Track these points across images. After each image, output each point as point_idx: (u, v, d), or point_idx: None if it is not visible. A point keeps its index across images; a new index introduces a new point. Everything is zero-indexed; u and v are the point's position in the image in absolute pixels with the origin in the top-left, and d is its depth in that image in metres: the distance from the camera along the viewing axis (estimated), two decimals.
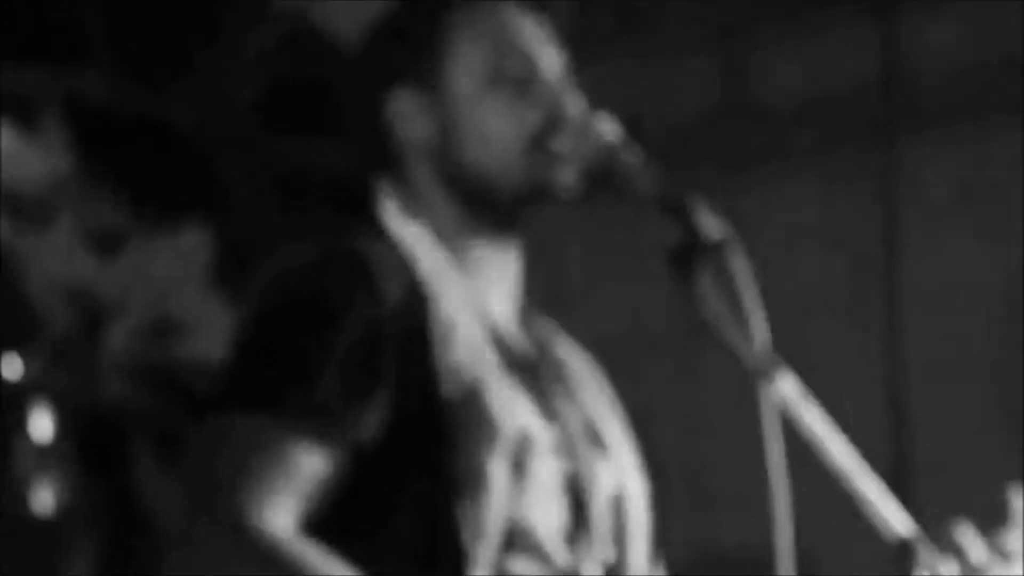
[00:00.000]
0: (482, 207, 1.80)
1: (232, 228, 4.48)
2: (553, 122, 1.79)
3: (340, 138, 1.91)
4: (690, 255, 1.69)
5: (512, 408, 1.72)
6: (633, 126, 1.86)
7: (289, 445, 1.66)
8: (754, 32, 3.90)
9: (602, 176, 1.77)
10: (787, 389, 1.64)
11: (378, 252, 1.74)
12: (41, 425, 4.09)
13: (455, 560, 1.67)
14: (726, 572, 3.71)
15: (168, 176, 4.52)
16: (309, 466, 1.66)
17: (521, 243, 1.83)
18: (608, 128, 1.79)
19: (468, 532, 1.67)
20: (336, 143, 4.39)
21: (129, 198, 4.18)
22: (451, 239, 1.79)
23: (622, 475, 1.81)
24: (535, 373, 1.80)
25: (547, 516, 1.72)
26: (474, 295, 1.77)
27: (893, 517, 1.61)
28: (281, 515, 1.64)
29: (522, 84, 1.80)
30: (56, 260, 4.12)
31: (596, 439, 1.81)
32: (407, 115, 1.81)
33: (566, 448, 1.76)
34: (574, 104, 1.81)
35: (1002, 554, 1.64)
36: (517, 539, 1.69)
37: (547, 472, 1.73)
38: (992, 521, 1.67)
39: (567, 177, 1.78)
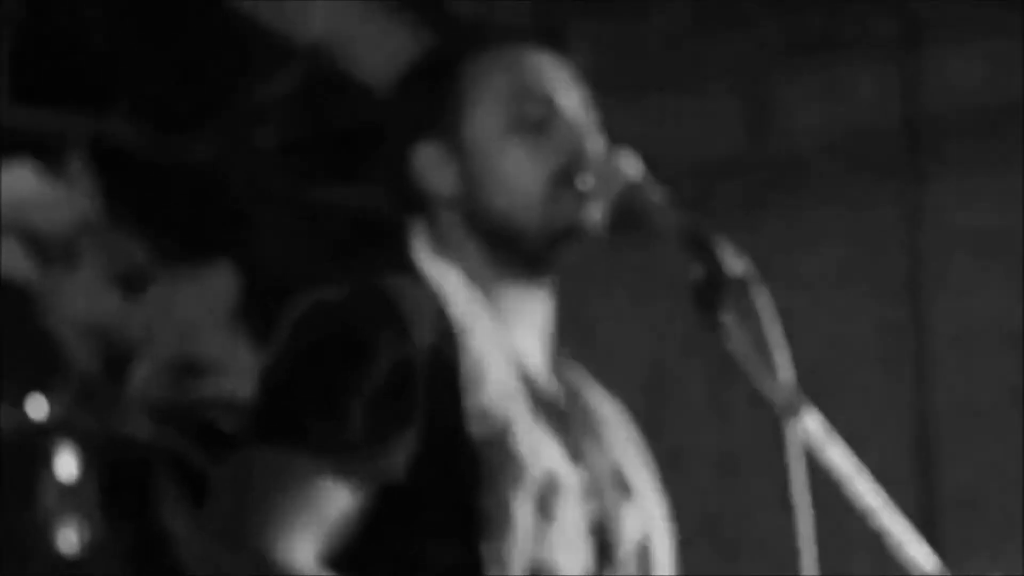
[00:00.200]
0: (510, 252, 1.80)
1: (257, 269, 4.49)
2: (575, 161, 1.79)
3: (368, 181, 1.92)
4: (713, 293, 1.68)
5: (539, 450, 1.72)
6: (656, 164, 1.86)
7: (314, 480, 1.66)
8: (778, 71, 3.90)
9: (626, 214, 1.77)
10: (812, 427, 1.63)
11: (409, 291, 1.74)
12: (66, 464, 4.09)
13: None
14: None
15: (193, 217, 4.53)
16: (333, 502, 1.66)
17: (551, 286, 1.83)
18: (631, 166, 1.79)
19: (492, 572, 1.66)
20: (364, 186, 4.40)
21: (154, 239, 4.20)
22: (481, 282, 1.80)
23: (648, 521, 1.80)
24: (564, 417, 1.80)
25: (572, 559, 1.71)
26: (504, 337, 1.77)
27: (920, 557, 1.59)
28: (304, 550, 1.64)
29: (542, 126, 1.81)
30: (81, 300, 4.13)
31: (623, 484, 1.80)
32: (431, 168, 1.82)
33: (593, 492, 1.75)
34: (596, 142, 1.81)
35: None
36: None
37: (573, 515, 1.73)
38: (1020, 563, 1.66)
39: (593, 214, 1.78)
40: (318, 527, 1.65)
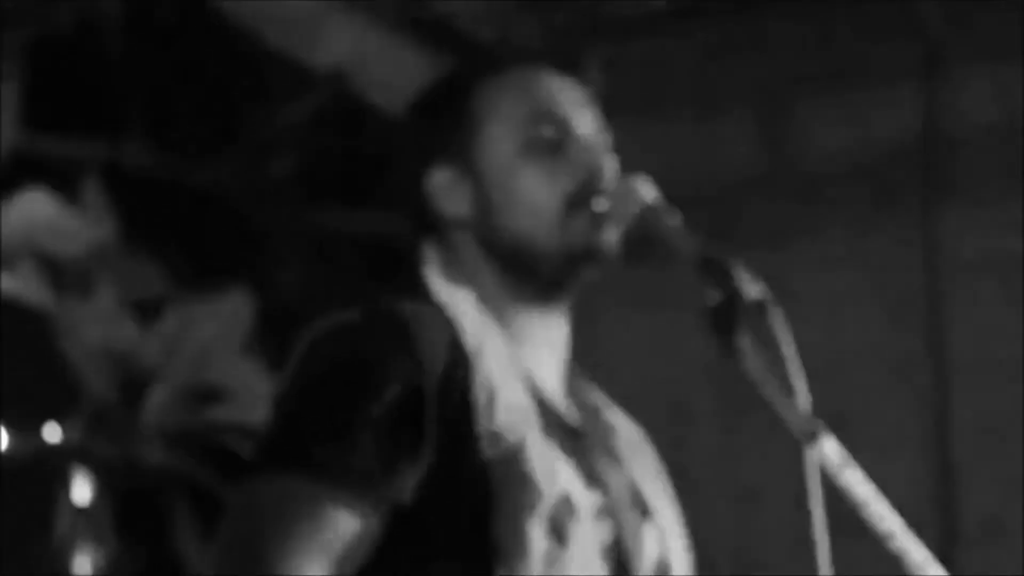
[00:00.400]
0: (526, 275, 1.79)
1: (272, 294, 4.49)
2: (590, 183, 1.78)
3: (382, 205, 1.92)
4: (729, 317, 1.67)
5: (553, 472, 1.71)
6: (675, 187, 1.85)
7: (324, 508, 1.65)
8: (795, 93, 3.90)
9: (641, 238, 1.76)
10: (829, 452, 1.61)
11: (420, 315, 1.73)
12: (81, 490, 4.09)
13: None
14: None
15: (209, 243, 4.53)
16: (344, 529, 1.65)
17: (567, 310, 1.82)
18: (646, 189, 1.78)
19: None
20: (378, 210, 4.40)
21: (169, 264, 4.20)
22: (495, 305, 1.79)
23: (667, 542, 1.79)
24: (580, 438, 1.79)
25: None
26: (518, 360, 1.76)
27: None
28: (313, 573, 1.63)
29: (556, 148, 1.80)
30: (96, 326, 4.14)
31: (641, 505, 1.79)
32: (445, 191, 1.81)
33: (609, 513, 1.74)
34: (611, 165, 1.80)
35: None
36: None
37: (588, 537, 1.71)
38: None
39: (609, 237, 1.77)
40: (329, 554, 1.64)
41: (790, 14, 3.86)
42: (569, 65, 1.85)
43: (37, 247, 4.05)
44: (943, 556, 1.68)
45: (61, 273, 4.17)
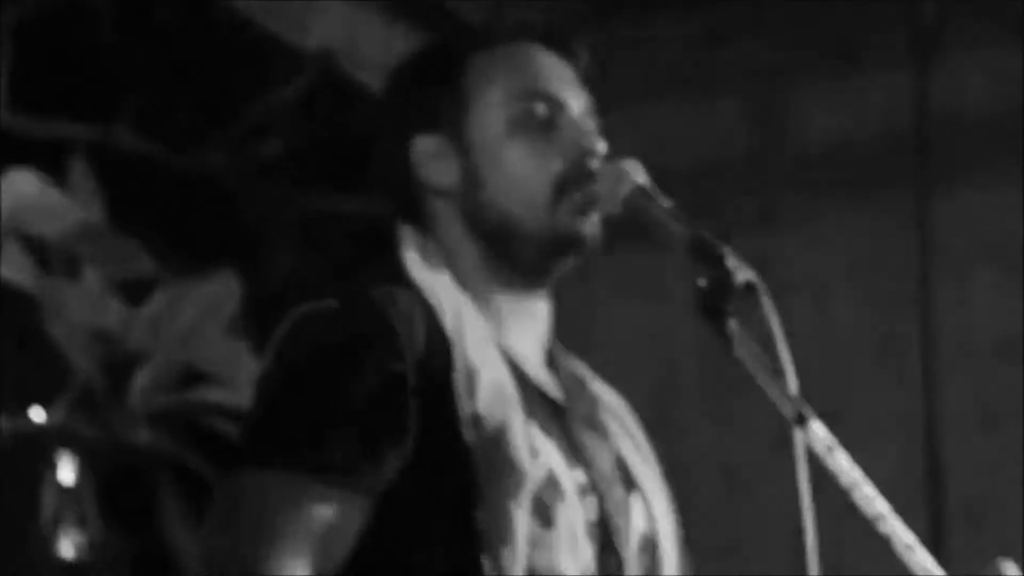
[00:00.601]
0: (508, 255, 1.77)
1: (260, 276, 4.48)
2: (581, 166, 1.77)
3: (366, 185, 1.89)
4: (719, 300, 1.67)
5: (537, 453, 1.70)
6: (666, 170, 1.84)
7: (306, 499, 1.63)
8: (786, 77, 3.89)
9: (631, 222, 1.76)
10: (818, 435, 1.62)
11: (398, 300, 1.71)
12: (67, 471, 4.09)
13: None
14: None
15: (196, 224, 4.52)
16: (327, 519, 1.64)
17: (549, 294, 1.81)
18: (637, 173, 1.77)
19: None
20: (363, 191, 4.39)
21: (156, 246, 4.19)
22: (475, 284, 1.77)
23: (653, 514, 1.78)
24: (563, 415, 1.78)
25: (574, 561, 1.70)
26: (498, 339, 1.75)
27: (926, 563, 1.58)
28: (298, 568, 1.62)
29: (548, 127, 1.78)
30: (83, 308, 4.12)
31: (627, 478, 1.79)
32: (431, 159, 1.79)
33: (594, 490, 1.74)
34: (601, 148, 1.79)
35: None
36: None
37: (574, 516, 1.71)
38: None
39: (593, 228, 1.76)
40: (313, 546, 1.62)
41: None
42: (561, 45, 1.83)
43: (24, 227, 4.03)
44: (930, 539, 1.68)
45: (48, 254, 4.16)
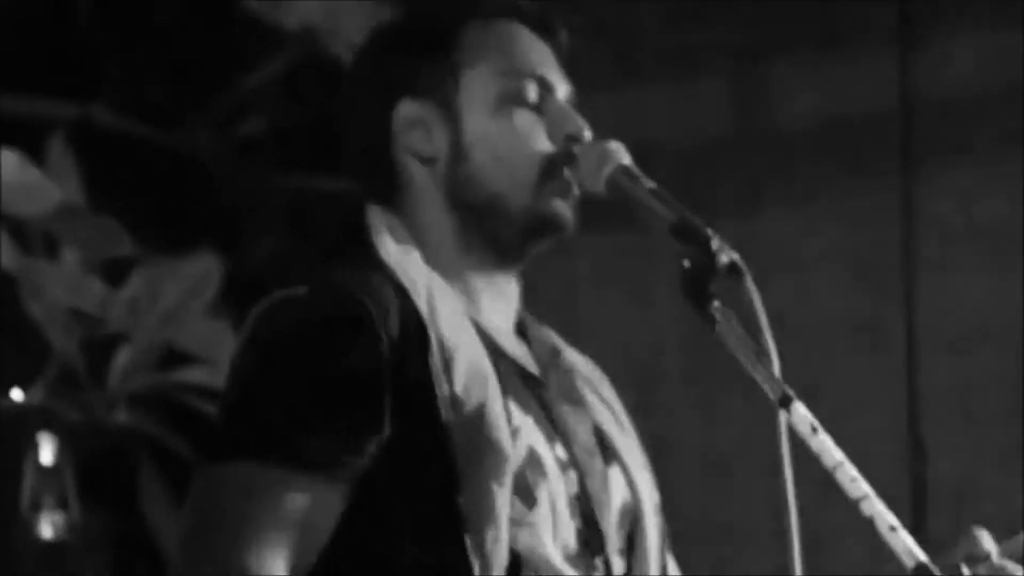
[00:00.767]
0: (485, 234, 1.76)
1: (242, 256, 4.47)
2: (566, 152, 1.76)
3: (344, 163, 1.87)
4: (703, 282, 1.66)
5: (518, 430, 1.70)
6: (647, 151, 1.83)
7: (283, 488, 1.62)
8: (770, 57, 3.88)
9: (615, 203, 1.75)
10: (801, 417, 1.61)
11: (371, 284, 1.69)
12: (47, 452, 4.07)
13: None
14: None
15: (177, 204, 4.50)
16: (305, 508, 1.63)
17: (519, 276, 1.80)
18: (620, 154, 1.76)
19: (476, 561, 1.64)
20: (342, 171, 4.37)
21: (137, 226, 4.17)
22: (447, 260, 1.76)
23: (633, 481, 1.78)
24: (540, 388, 1.77)
25: (556, 537, 1.69)
26: (473, 316, 1.74)
27: (909, 545, 1.58)
28: (277, 559, 1.61)
29: (536, 108, 1.78)
30: (63, 288, 4.10)
31: (605, 448, 1.78)
32: (414, 126, 1.77)
33: (573, 464, 1.73)
34: (585, 130, 1.78)
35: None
36: (526, 563, 1.67)
37: (555, 492, 1.71)
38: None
39: (570, 210, 1.76)
40: (291, 537, 1.61)
41: None
42: (546, 28, 1.83)
43: (2, 207, 4.01)
44: (913, 522, 1.68)
45: (27, 233, 4.14)
